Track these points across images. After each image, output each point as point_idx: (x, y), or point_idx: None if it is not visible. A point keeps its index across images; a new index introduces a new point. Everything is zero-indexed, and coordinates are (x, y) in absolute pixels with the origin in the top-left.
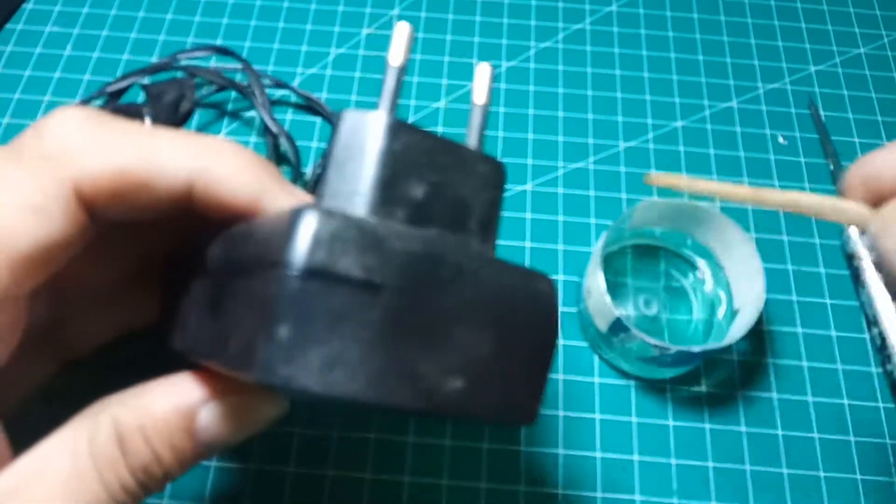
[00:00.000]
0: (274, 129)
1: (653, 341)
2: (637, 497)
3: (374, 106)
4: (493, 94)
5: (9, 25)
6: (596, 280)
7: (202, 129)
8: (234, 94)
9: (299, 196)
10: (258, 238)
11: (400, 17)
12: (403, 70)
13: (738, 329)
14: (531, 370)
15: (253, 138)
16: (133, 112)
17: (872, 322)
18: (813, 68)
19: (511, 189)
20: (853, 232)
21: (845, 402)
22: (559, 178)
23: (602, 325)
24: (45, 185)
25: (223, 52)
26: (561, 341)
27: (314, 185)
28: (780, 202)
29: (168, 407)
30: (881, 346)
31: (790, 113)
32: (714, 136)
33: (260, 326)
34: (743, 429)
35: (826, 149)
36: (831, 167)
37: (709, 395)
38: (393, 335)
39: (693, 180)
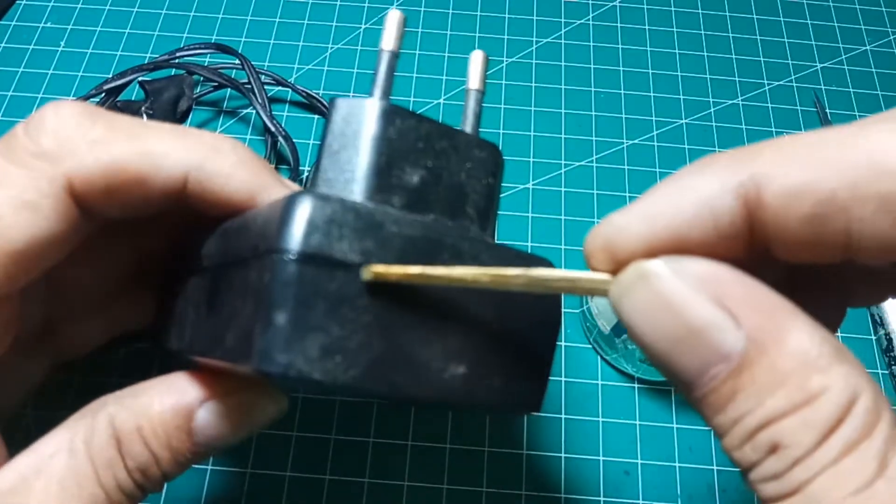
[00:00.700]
0: (272, 128)
1: None
2: (640, 502)
3: None
4: (495, 90)
5: (3, 21)
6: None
7: (200, 127)
8: (232, 91)
9: (296, 191)
10: (252, 229)
11: None
12: (396, 55)
13: None
14: (534, 357)
15: (251, 136)
16: (131, 109)
17: (879, 323)
18: (819, 65)
19: (513, 187)
20: None
21: None
22: (562, 177)
23: (605, 326)
24: (38, 182)
25: (222, 49)
26: (563, 343)
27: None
28: (521, 284)
29: (165, 407)
30: (888, 347)
31: (796, 110)
32: (719, 134)
33: (257, 314)
34: None
35: None
36: None
37: None
38: (392, 320)
39: (420, 271)
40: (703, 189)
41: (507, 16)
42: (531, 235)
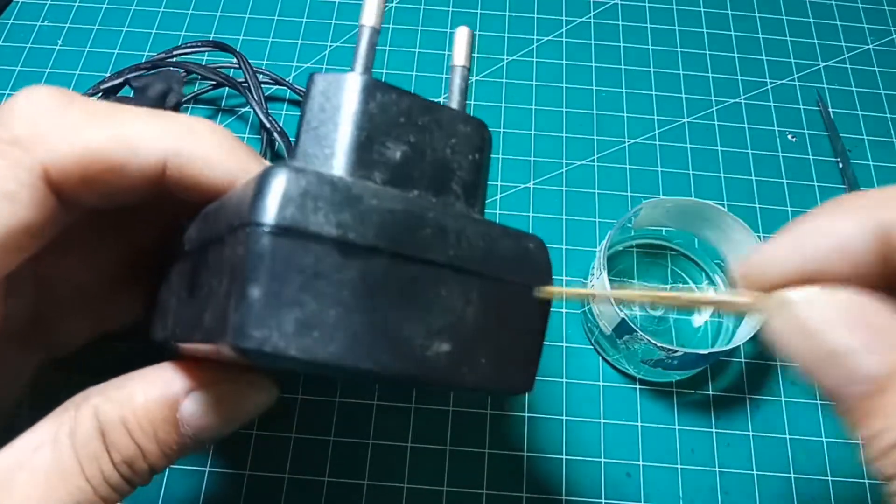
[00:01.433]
0: (268, 124)
1: (659, 344)
2: None
3: None
4: (496, 88)
5: (0, 20)
6: (601, 280)
7: None
8: (230, 90)
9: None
10: (228, 207)
11: (398, 10)
12: (377, 31)
13: (746, 331)
14: (525, 335)
15: (248, 135)
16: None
17: None
18: (821, 64)
19: (513, 187)
20: None
21: None
22: (563, 176)
23: (607, 326)
24: (13, 170)
25: (219, 46)
26: (564, 344)
27: None
28: (679, 304)
29: (150, 398)
30: None
31: (798, 109)
32: (721, 133)
33: (231, 290)
34: (750, 433)
35: (835, 145)
36: (840, 164)
37: (716, 398)
38: (372, 296)
39: (589, 291)
40: (841, 228)
41: (507, 14)
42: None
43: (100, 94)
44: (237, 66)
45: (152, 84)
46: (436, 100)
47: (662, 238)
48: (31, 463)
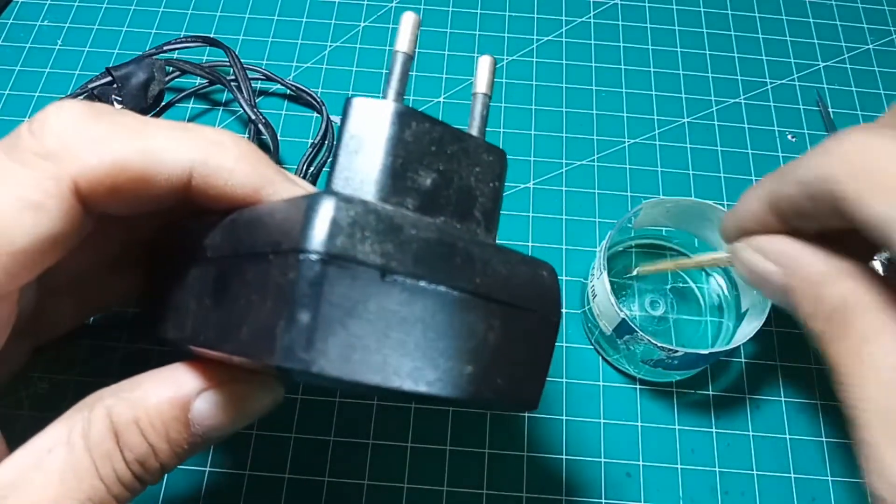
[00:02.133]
0: (252, 115)
1: (659, 344)
2: None
3: None
4: (494, 88)
5: (0, 19)
6: (601, 281)
7: (182, 119)
8: (219, 85)
9: (301, 185)
10: (270, 225)
11: (398, 10)
12: (411, 57)
13: (747, 331)
14: (534, 357)
15: (237, 130)
16: (102, 96)
17: None
18: (821, 64)
19: (513, 187)
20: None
21: None
22: (563, 176)
23: (607, 326)
24: (43, 182)
25: (209, 42)
26: (564, 344)
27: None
28: (689, 265)
29: (162, 398)
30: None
31: (798, 109)
32: (721, 133)
33: (279, 312)
34: (750, 433)
35: None
36: None
37: (716, 398)
38: (408, 321)
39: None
40: (752, 200)
41: (507, 14)
42: (532, 235)
43: (87, 94)
44: (227, 62)
45: (134, 73)
46: (435, 99)
47: (662, 238)
48: (46, 463)
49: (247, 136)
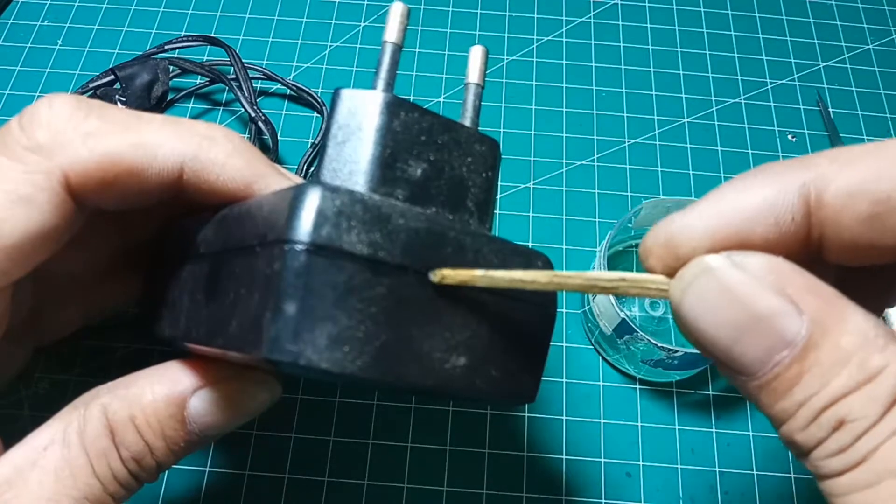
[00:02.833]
0: (252, 113)
1: (659, 344)
2: None
3: None
4: (495, 88)
5: (0, 20)
6: None
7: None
8: (220, 85)
9: (293, 179)
10: (257, 217)
11: None
12: (400, 47)
13: None
14: (530, 349)
15: (237, 129)
16: (105, 96)
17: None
18: (821, 64)
19: (513, 187)
20: None
21: None
22: (563, 176)
23: (607, 326)
24: (33, 176)
25: (210, 41)
26: (564, 344)
27: (304, 175)
28: (577, 285)
29: (158, 396)
30: None
31: (798, 109)
32: (721, 133)
33: (266, 304)
34: (750, 433)
35: (835, 145)
36: None
37: (716, 398)
38: (398, 312)
39: (485, 274)
40: (766, 189)
41: (507, 13)
42: (532, 235)
43: (90, 93)
44: (228, 63)
45: (138, 74)
46: (435, 99)
47: None
48: (42, 461)
49: (247, 134)
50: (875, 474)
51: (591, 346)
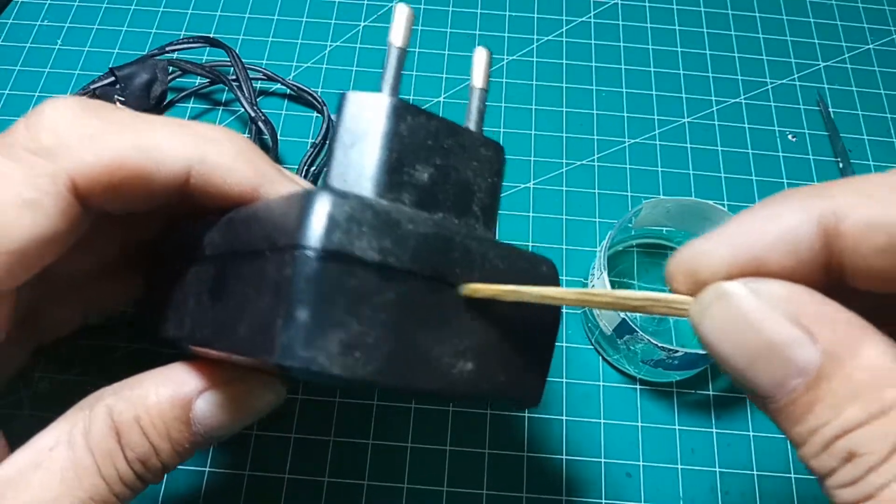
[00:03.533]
0: (252, 113)
1: (659, 344)
2: None
3: None
4: (495, 88)
5: (0, 19)
6: (601, 281)
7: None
8: (220, 85)
9: (299, 182)
10: (266, 222)
11: None
12: (405, 51)
13: None
14: (535, 353)
15: (237, 129)
16: (104, 96)
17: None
18: (822, 64)
19: (513, 187)
20: None
21: None
22: (563, 176)
23: (607, 327)
24: (39, 180)
25: (210, 42)
26: (564, 344)
27: (304, 177)
28: (605, 303)
29: (163, 398)
30: None
31: (799, 109)
32: (722, 133)
33: (277, 309)
34: (750, 433)
35: (835, 145)
36: (840, 164)
37: (716, 398)
38: (408, 317)
39: (513, 290)
40: (786, 217)
41: (507, 13)
42: (532, 235)
43: (89, 94)
44: (228, 63)
45: (137, 74)
46: (435, 99)
47: (663, 238)
48: (48, 462)
49: (247, 134)
50: None
51: (591, 347)
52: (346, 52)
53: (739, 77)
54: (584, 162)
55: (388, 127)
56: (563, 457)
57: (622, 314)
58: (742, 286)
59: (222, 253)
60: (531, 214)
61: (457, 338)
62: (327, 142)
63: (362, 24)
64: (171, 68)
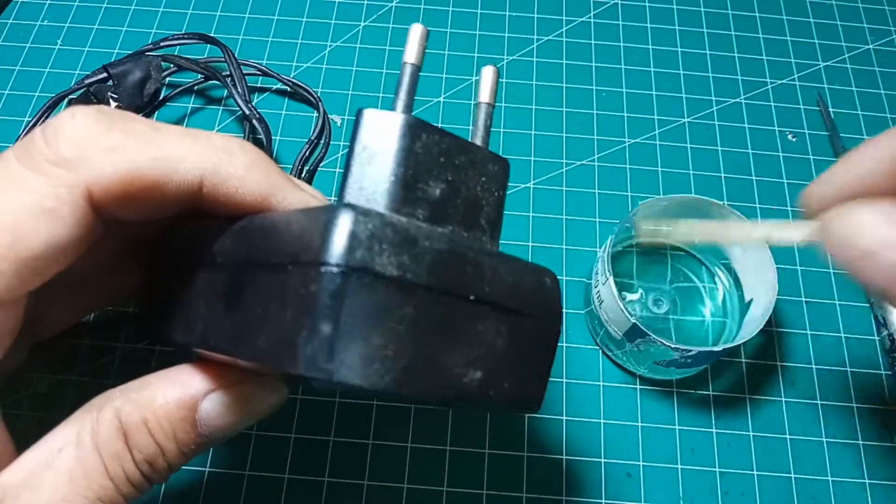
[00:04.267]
0: (247, 111)
1: (672, 345)
2: None
3: (371, 100)
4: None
5: (0, 19)
6: (607, 286)
7: (180, 117)
8: (217, 83)
9: (310, 192)
10: (286, 235)
11: (398, 10)
12: (419, 68)
13: (754, 322)
14: (537, 359)
15: (234, 127)
16: (98, 93)
17: (882, 324)
18: (822, 64)
19: (514, 187)
20: None
21: (854, 405)
22: (563, 176)
23: (616, 331)
24: (57, 189)
25: (204, 39)
26: (565, 344)
27: (298, 175)
28: (743, 236)
29: (170, 399)
30: (891, 348)
31: (799, 109)
32: (722, 133)
33: (301, 323)
34: (750, 433)
35: (835, 145)
36: None
37: (716, 398)
38: (423, 330)
39: (674, 227)
40: (886, 149)
41: (507, 13)
42: (532, 235)
43: (83, 90)
44: (223, 59)
45: (131, 71)
46: (435, 99)
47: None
48: (56, 463)
49: (242, 133)
50: None
51: (595, 347)
52: (346, 52)
53: (739, 77)
54: (584, 162)
55: (404, 144)
56: (564, 457)
57: (632, 320)
58: (853, 207)
59: (238, 262)
60: (531, 214)
61: (468, 348)
62: (322, 140)
63: (362, 24)
64: (164, 64)
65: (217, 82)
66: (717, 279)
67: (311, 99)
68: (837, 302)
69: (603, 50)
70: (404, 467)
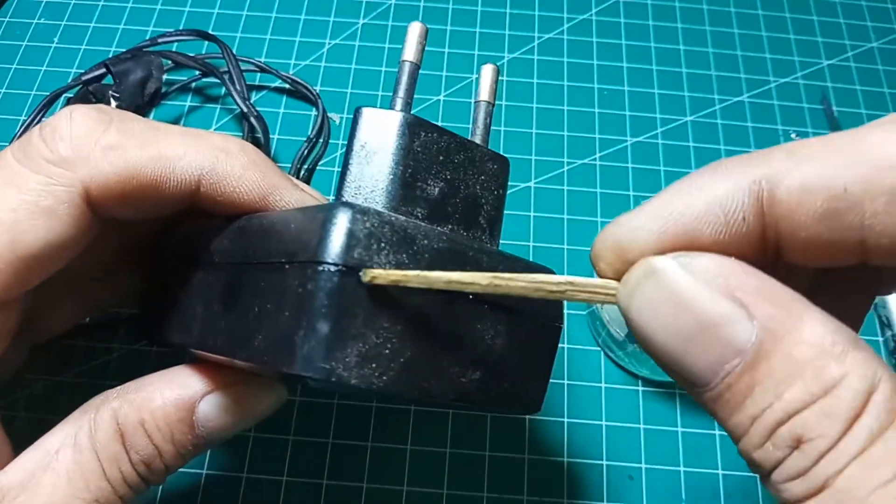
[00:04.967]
0: (245, 108)
1: None
2: None
3: (370, 98)
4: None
5: None
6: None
7: (178, 115)
8: (216, 81)
9: (309, 192)
10: (284, 235)
11: (397, 7)
12: (418, 67)
13: None
14: (538, 361)
15: (232, 125)
16: (98, 92)
17: (886, 325)
18: (825, 62)
19: (514, 186)
20: None
21: None
22: (564, 175)
23: (618, 332)
24: (55, 188)
25: (202, 35)
26: (566, 345)
27: (297, 174)
28: (520, 288)
29: (168, 400)
30: (895, 348)
31: (802, 108)
32: (724, 131)
33: (298, 322)
34: None
35: None
36: None
37: None
38: (421, 330)
39: (418, 274)
40: (716, 187)
41: (508, 11)
42: (533, 235)
43: (81, 87)
44: (221, 55)
45: (132, 70)
46: (435, 97)
47: None
48: (54, 464)
49: (242, 131)
50: None
51: (597, 348)
52: (345, 49)
53: (742, 75)
54: (585, 161)
55: (402, 143)
56: (565, 459)
57: None
58: (672, 261)
59: (234, 261)
60: (532, 214)
61: (467, 348)
62: (321, 138)
63: (361, 21)
64: (165, 62)
65: (215, 80)
66: None
67: (310, 96)
68: None
69: (604, 48)
70: (404, 469)
